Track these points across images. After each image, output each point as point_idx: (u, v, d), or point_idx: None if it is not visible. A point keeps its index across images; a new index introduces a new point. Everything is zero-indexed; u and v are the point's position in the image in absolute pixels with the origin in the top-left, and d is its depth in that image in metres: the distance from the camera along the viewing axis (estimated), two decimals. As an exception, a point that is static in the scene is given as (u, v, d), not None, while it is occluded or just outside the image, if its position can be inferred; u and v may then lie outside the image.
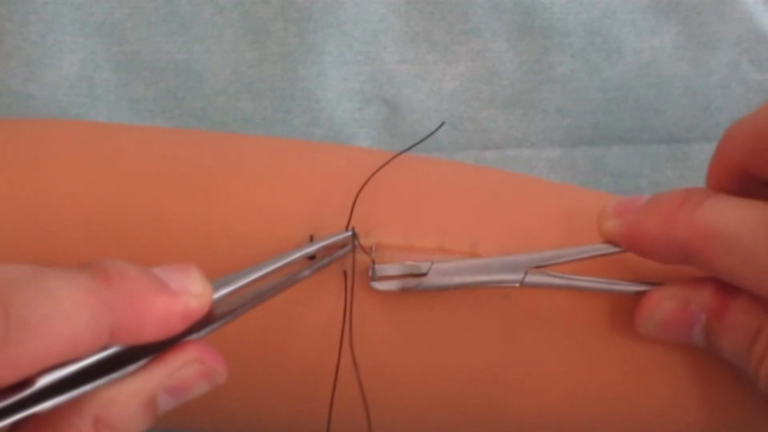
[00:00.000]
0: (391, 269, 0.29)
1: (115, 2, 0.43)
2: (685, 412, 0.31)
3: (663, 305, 0.29)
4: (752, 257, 0.26)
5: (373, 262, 0.29)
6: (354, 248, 0.29)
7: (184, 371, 0.24)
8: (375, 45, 0.43)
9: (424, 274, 0.29)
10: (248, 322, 0.27)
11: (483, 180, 0.34)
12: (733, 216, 0.26)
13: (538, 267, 0.29)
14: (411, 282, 0.29)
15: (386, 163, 0.31)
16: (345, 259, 0.29)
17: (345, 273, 0.29)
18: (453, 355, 0.30)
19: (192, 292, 0.24)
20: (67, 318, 0.20)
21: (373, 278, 0.29)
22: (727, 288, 0.28)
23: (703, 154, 0.44)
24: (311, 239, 0.29)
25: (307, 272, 0.29)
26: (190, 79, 0.43)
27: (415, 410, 0.31)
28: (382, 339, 0.30)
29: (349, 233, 0.29)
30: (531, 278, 0.29)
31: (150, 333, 0.23)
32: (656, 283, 0.30)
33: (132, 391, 0.23)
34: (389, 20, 0.44)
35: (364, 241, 0.29)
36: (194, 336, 0.24)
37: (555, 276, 0.29)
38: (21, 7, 0.42)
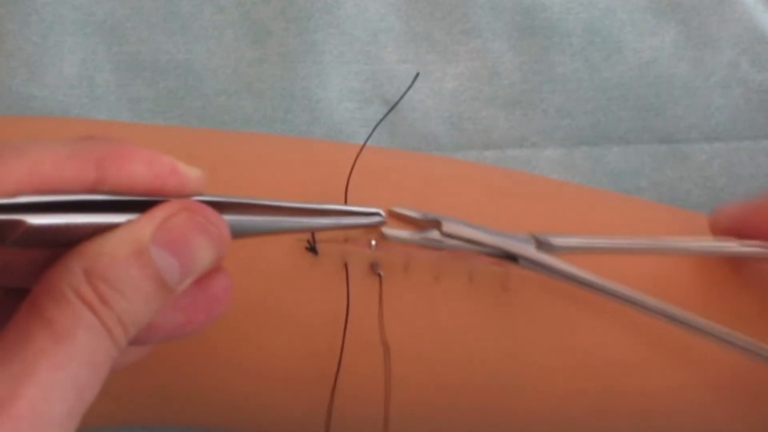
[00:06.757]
0: (401, 234, 0.29)
1: (116, 2, 0.43)
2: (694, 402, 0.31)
3: None
4: None
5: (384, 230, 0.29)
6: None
7: (174, 220, 0.22)
8: (375, 45, 0.44)
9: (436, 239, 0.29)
10: (247, 315, 0.26)
11: (486, 176, 0.34)
12: None
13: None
14: (422, 238, 0.29)
15: (360, 151, 0.31)
16: (346, 251, 0.29)
17: (346, 265, 0.29)
18: (450, 341, 0.30)
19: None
20: (48, 146, 0.21)
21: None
22: None
23: (703, 154, 0.44)
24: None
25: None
26: (190, 79, 0.43)
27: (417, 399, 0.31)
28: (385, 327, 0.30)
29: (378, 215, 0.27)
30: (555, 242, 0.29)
31: (139, 173, 0.22)
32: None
33: (117, 241, 0.22)
34: (389, 20, 0.44)
35: (366, 235, 0.29)
36: None
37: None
38: (21, 8, 0.43)
